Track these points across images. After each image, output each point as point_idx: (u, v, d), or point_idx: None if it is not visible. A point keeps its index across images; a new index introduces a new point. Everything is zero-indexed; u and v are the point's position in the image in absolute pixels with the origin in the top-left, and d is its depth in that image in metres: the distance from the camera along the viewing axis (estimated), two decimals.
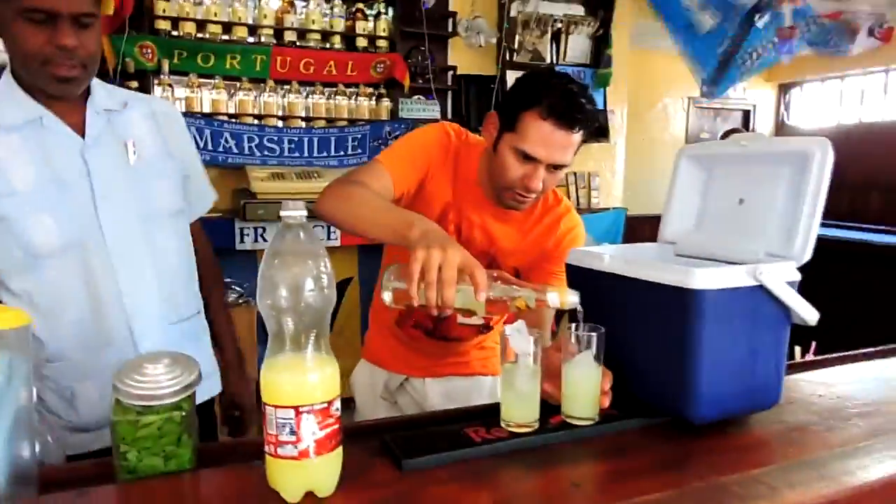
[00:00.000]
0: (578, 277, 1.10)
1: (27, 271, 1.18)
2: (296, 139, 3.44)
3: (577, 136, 1.26)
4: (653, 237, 1.24)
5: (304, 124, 3.52)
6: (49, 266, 1.19)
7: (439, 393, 1.50)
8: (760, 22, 4.06)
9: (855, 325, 3.03)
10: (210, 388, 1.41)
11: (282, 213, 0.75)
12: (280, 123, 3.49)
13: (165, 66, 3.14)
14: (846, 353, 1.38)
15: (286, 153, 3.41)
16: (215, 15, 3.28)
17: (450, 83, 3.91)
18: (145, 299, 1.27)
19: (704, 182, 1.18)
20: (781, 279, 0.91)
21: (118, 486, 0.79)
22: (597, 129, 4.44)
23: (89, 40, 1.17)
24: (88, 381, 1.23)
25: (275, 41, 3.42)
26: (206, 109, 3.33)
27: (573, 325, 0.98)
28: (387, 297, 1.03)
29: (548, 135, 1.24)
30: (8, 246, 1.17)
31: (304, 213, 0.76)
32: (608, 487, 0.84)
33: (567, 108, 1.22)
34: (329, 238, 3.35)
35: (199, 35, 3.27)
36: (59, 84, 1.17)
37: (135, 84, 3.09)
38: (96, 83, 1.28)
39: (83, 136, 1.23)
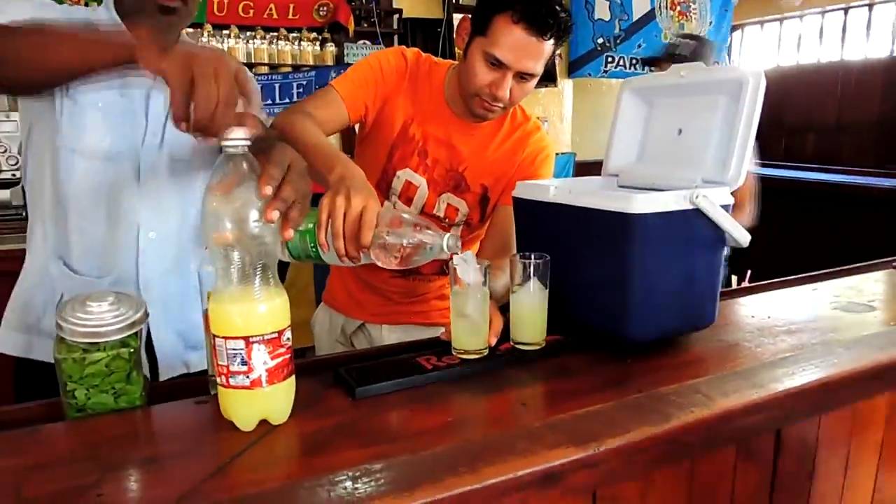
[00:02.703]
0: (526, 209, 1.13)
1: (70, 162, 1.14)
2: None
3: (548, 45, 1.25)
4: None
5: None
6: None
7: (395, 340, 1.50)
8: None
9: (788, 256, 3.17)
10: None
11: (223, 143, 0.74)
12: None
13: None
14: (776, 280, 1.46)
15: None
16: None
17: (396, 27, 3.83)
18: (172, 240, 1.22)
19: (646, 114, 1.21)
20: (715, 203, 0.95)
21: (68, 423, 0.79)
22: (544, 73, 4.43)
23: None
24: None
25: None
26: None
27: (518, 254, 1.00)
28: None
29: (518, 40, 1.23)
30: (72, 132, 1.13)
31: (247, 141, 0.74)
32: (554, 405, 0.87)
33: (539, 12, 1.21)
34: None
35: None
36: (161, 13, 1.10)
37: None
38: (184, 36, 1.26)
39: None
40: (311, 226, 0.91)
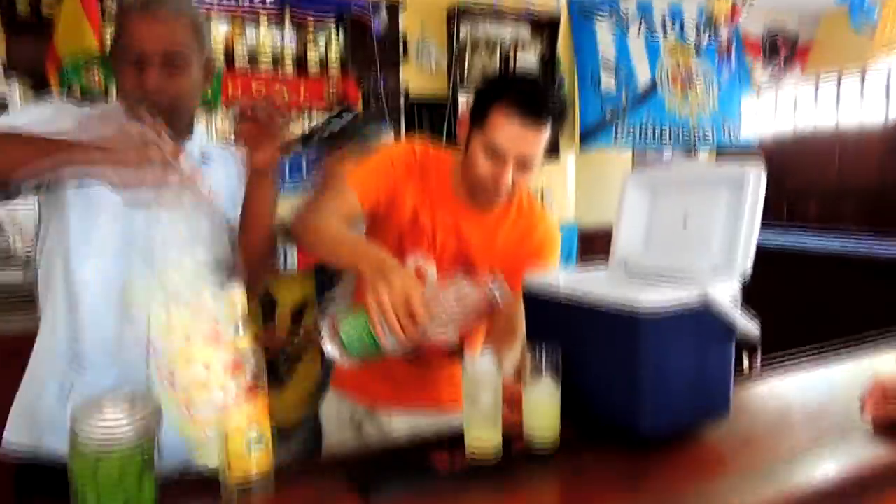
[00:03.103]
0: (535, 301, 1.14)
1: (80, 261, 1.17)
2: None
3: (545, 129, 1.28)
4: (604, 249, 1.28)
5: None
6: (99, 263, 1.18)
7: (405, 427, 1.47)
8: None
9: (800, 324, 3.16)
10: None
11: None
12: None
13: (113, 92, 3.09)
14: (788, 360, 1.45)
15: None
16: None
17: (402, 106, 3.94)
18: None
19: (650, 205, 1.23)
20: (724, 297, 0.96)
21: None
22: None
23: (184, 79, 1.19)
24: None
25: (225, 66, 3.40)
26: None
27: (530, 349, 1.01)
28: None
29: (514, 129, 1.26)
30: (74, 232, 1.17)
31: None
32: None
33: (531, 100, 1.25)
34: (285, 262, 3.32)
35: None
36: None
37: None
38: (199, 128, 1.32)
39: None
40: (362, 323, 0.97)
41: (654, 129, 4.63)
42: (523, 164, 1.31)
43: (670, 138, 4.66)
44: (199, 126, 1.34)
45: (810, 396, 1.25)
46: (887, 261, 3.66)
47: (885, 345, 1.56)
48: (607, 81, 4.46)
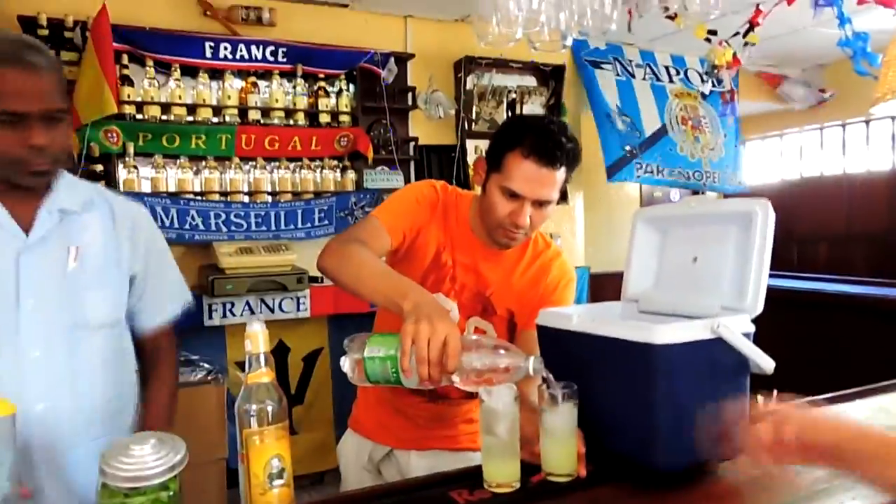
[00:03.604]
0: (550, 337, 1.15)
1: None
2: (262, 213, 3.47)
3: (559, 172, 1.33)
4: (616, 293, 1.31)
5: (270, 199, 3.56)
6: None
7: (424, 467, 1.46)
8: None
9: (812, 369, 3.12)
10: None
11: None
12: (246, 199, 3.52)
13: (131, 149, 3.17)
14: (806, 400, 1.44)
15: (253, 227, 3.43)
16: (180, 98, 3.35)
17: (412, 153, 4.02)
18: (63, 413, 1.18)
19: (660, 242, 1.26)
20: (738, 331, 0.97)
21: None
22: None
23: (61, 135, 1.14)
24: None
25: (239, 120, 3.49)
26: (172, 189, 3.35)
27: (546, 384, 1.02)
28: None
29: (530, 172, 1.31)
30: None
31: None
32: None
33: (546, 145, 1.30)
34: (298, 309, 3.34)
35: (164, 117, 3.32)
36: (33, 177, 1.14)
37: (99, 167, 3.10)
38: (65, 179, 1.23)
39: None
40: (392, 352, 0.96)
41: (667, 171, 4.70)
42: (539, 205, 1.35)
43: (683, 178, 4.71)
44: (67, 176, 1.25)
45: None
46: None
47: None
48: (620, 124, 4.54)
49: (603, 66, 4.62)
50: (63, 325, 1.18)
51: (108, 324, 1.26)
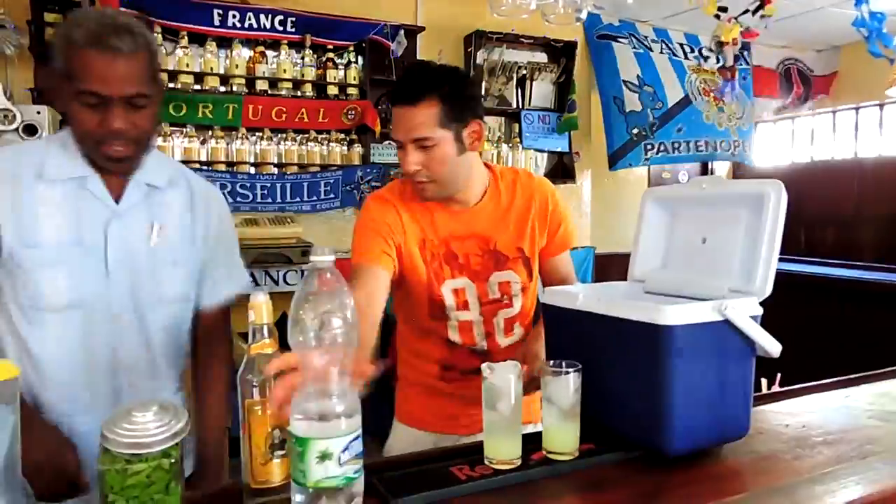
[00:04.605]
0: (555, 315, 1.15)
1: (31, 323, 1.19)
2: (268, 185, 3.47)
3: (418, 111, 1.29)
4: (621, 274, 1.29)
5: (276, 170, 3.56)
6: (52, 322, 1.19)
7: None
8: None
9: (817, 354, 3.13)
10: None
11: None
12: (252, 170, 3.52)
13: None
14: (810, 384, 1.44)
15: (259, 199, 3.43)
16: (187, 66, 3.33)
17: None
18: (137, 373, 1.26)
19: (669, 223, 1.24)
20: (745, 314, 0.96)
21: None
22: (563, 171, 4.56)
23: (142, 120, 1.16)
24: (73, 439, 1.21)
25: (246, 90, 3.47)
26: (178, 158, 3.34)
27: (550, 362, 1.01)
28: None
29: (395, 115, 1.33)
30: (19, 293, 1.18)
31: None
32: None
33: (397, 88, 1.34)
34: None
35: (171, 85, 3.31)
36: (112, 163, 1.18)
37: None
38: (153, 154, 1.27)
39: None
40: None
41: (687, 144, 4.63)
42: (423, 147, 1.32)
43: (710, 149, 4.64)
44: (154, 151, 1.29)
45: (830, 418, 1.24)
46: None
47: None
48: (631, 102, 4.49)
49: (619, 39, 4.56)
50: (139, 298, 1.24)
51: (178, 299, 1.31)
